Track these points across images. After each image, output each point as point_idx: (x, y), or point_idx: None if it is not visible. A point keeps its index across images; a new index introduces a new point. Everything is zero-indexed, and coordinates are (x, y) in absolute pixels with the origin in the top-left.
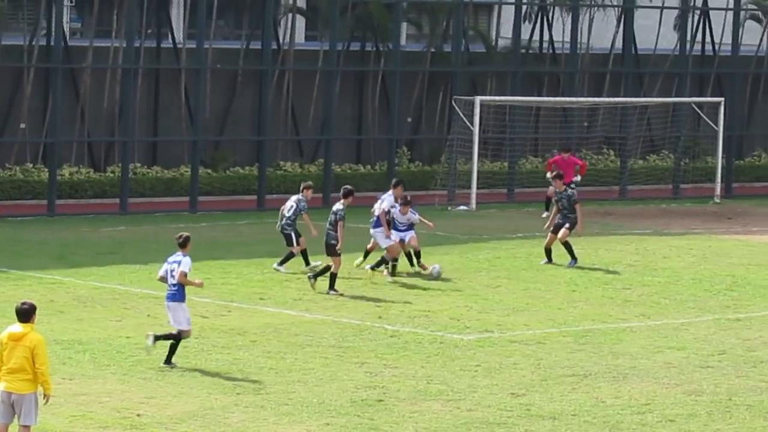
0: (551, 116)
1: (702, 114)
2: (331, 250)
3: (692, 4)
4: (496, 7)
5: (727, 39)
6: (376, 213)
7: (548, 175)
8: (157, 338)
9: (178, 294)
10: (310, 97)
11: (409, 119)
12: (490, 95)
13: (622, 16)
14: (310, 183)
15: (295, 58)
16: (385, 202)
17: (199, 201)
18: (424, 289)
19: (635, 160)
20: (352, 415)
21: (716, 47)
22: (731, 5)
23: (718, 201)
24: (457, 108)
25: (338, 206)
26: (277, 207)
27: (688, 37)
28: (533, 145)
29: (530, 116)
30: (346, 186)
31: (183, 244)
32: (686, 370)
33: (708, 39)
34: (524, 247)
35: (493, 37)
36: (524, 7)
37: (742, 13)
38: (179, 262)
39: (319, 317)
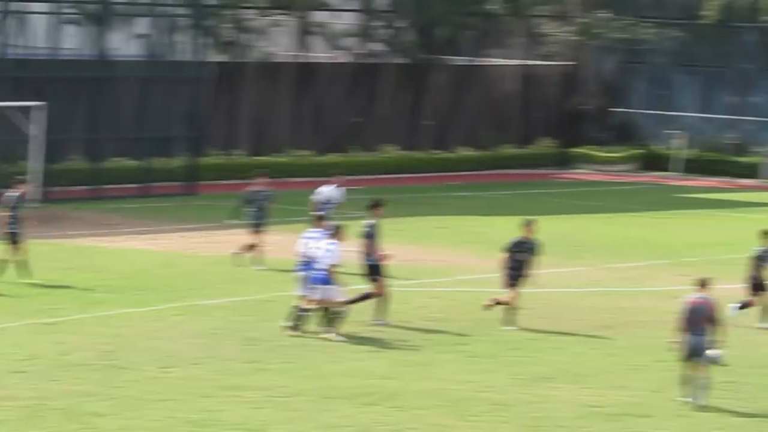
0: None
1: (21, 118)
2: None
3: (8, 8)
4: None
5: (47, 43)
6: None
7: None
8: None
9: None
10: None
11: None
12: None
13: None
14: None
15: None
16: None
17: None
18: None
19: None
20: None
21: (36, 51)
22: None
23: (37, 206)
24: None
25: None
26: None
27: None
28: None
29: None
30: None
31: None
32: None
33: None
34: None
35: None
36: None
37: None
38: None
39: None
